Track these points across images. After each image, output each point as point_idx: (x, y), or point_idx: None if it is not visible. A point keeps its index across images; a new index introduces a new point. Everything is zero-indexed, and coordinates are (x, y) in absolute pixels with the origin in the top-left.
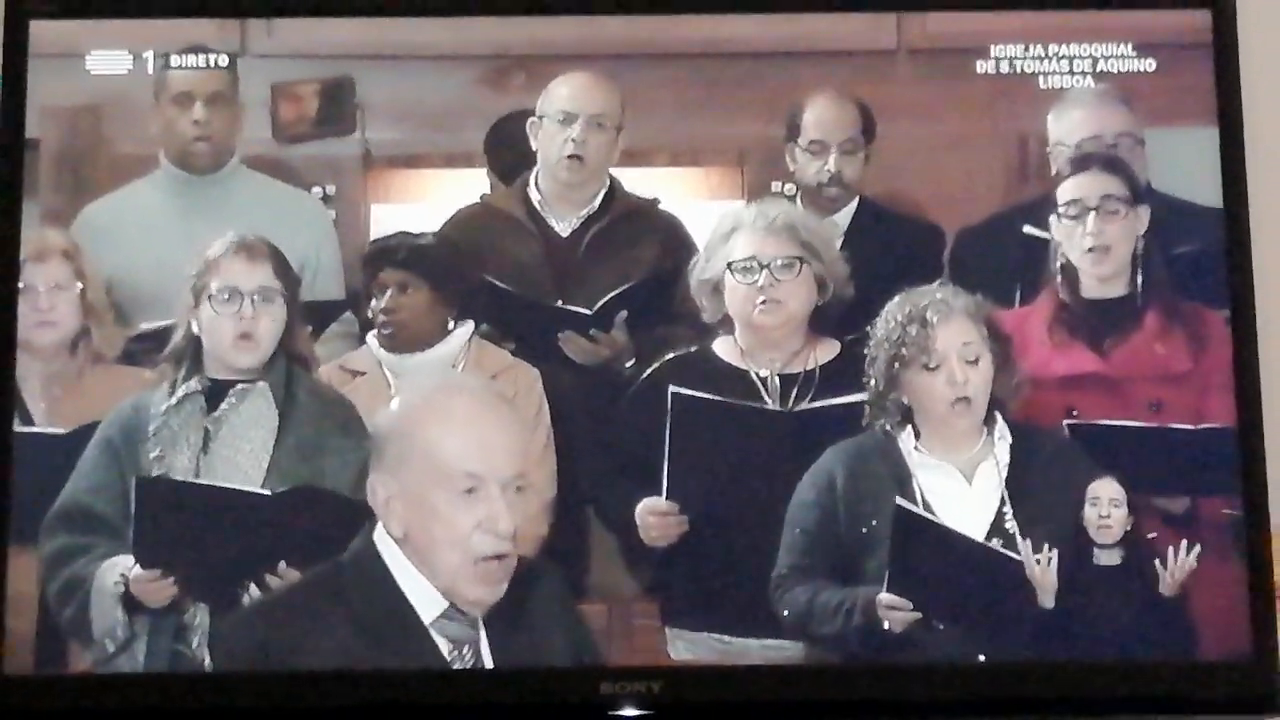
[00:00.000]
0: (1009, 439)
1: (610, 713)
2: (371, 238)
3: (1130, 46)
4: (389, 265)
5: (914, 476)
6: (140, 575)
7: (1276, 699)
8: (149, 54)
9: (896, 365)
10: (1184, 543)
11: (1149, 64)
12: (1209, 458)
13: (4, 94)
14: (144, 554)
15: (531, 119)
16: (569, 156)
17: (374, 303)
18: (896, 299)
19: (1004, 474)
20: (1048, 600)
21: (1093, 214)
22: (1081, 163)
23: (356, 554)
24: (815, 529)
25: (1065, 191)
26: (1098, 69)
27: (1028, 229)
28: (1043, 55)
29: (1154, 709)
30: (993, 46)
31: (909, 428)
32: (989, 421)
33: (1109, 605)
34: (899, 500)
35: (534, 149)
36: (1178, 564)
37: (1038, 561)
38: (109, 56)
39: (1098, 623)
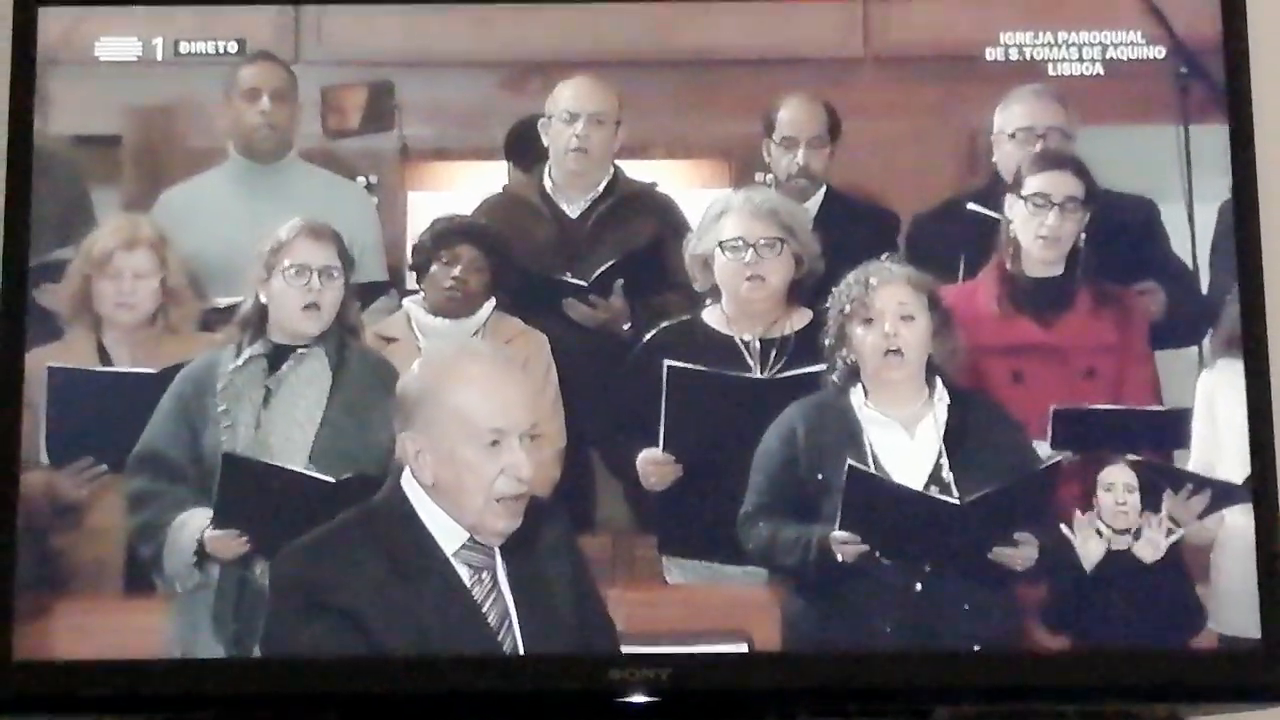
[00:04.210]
0: (947, 399)
1: (619, 699)
2: (409, 221)
3: (1140, 34)
4: (468, 242)
5: (864, 430)
6: (217, 534)
7: None
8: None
9: (844, 321)
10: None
11: (1158, 51)
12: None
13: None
14: (223, 518)
15: (542, 119)
16: (575, 150)
17: (438, 269)
18: (855, 270)
19: (942, 429)
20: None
21: (1055, 210)
22: (1056, 161)
23: (386, 497)
24: (778, 473)
25: (1035, 183)
26: (1107, 56)
27: (972, 206)
28: (1052, 43)
29: (1164, 698)
30: (1002, 34)
31: (859, 385)
32: (930, 383)
33: (1120, 592)
34: (850, 461)
35: (545, 145)
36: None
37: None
38: (119, 43)
39: (1109, 610)
